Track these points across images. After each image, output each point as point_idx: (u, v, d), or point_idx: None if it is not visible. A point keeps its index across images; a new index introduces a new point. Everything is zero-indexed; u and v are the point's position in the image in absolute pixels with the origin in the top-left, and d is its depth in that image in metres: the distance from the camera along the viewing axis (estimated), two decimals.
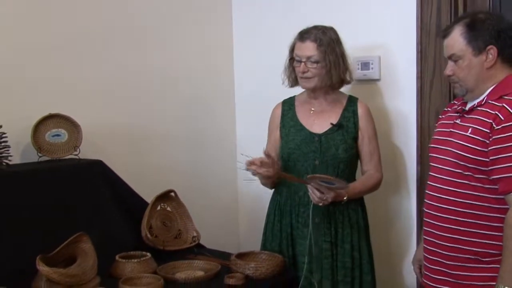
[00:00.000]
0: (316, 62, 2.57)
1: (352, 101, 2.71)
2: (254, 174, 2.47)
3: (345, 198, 2.51)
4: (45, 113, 2.61)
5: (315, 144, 2.62)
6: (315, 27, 2.61)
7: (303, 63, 2.58)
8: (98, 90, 2.91)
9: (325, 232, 2.58)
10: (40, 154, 2.59)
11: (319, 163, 2.60)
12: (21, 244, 2.32)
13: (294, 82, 2.71)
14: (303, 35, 2.60)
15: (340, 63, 2.60)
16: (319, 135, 2.63)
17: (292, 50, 2.66)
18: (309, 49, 2.58)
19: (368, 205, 2.76)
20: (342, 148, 2.61)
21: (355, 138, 2.66)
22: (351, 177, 2.68)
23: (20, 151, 2.63)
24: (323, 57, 2.57)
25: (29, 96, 2.65)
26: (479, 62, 2.13)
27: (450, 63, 2.20)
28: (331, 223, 2.60)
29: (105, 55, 2.94)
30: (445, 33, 2.22)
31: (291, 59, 2.66)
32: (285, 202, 2.68)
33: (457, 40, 2.14)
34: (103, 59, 2.93)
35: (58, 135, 2.66)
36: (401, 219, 3.02)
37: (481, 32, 2.11)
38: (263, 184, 2.73)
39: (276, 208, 2.73)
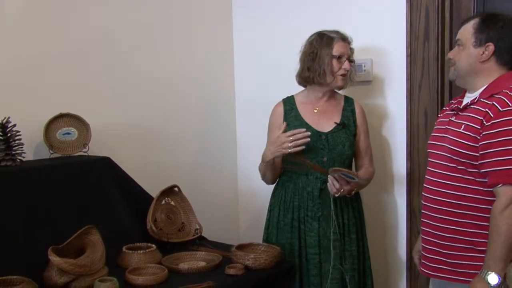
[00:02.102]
0: (353, 61, 2.69)
1: (349, 101, 2.77)
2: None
3: (352, 192, 2.56)
4: (56, 113, 2.62)
5: (323, 142, 2.64)
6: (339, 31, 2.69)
7: (347, 61, 2.64)
8: (106, 92, 2.92)
9: (334, 224, 2.60)
10: (51, 151, 2.61)
11: (327, 160, 2.63)
12: (34, 236, 2.33)
13: (321, 77, 2.63)
14: (343, 36, 2.66)
15: None
16: (326, 134, 2.65)
17: (327, 46, 2.63)
18: (348, 49, 2.67)
19: (362, 199, 2.80)
20: (348, 145, 2.66)
21: (355, 135, 2.71)
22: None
23: (33, 149, 2.64)
24: (352, 58, 2.70)
25: (41, 97, 2.67)
26: (476, 53, 2.16)
27: (455, 48, 2.25)
28: (338, 215, 2.63)
29: (112, 59, 2.95)
30: (463, 22, 2.28)
31: (329, 55, 2.62)
32: (292, 198, 2.68)
33: (468, 29, 2.20)
34: (110, 63, 2.94)
35: (68, 133, 2.67)
36: (391, 211, 3.03)
37: (488, 28, 2.15)
38: (264, 176, 2.74)
39: (280, 203, 2.73)
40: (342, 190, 2.49)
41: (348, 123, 2.70)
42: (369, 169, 2.75)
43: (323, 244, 2.61)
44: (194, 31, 3.36)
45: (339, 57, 2.63)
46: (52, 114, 2.61)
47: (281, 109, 2.77)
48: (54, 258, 2.11)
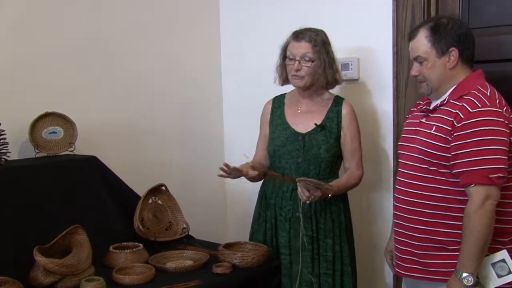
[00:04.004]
0: (311, 60, 2.57)
1: (337, 101, 2.69)
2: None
3: (329, 195, 2.50)
4: (42, 112, 2.60)
5: (299, 143, 2.62)
6: (309, 29, 2.60)
7: (297, 62, 2.58)
8: (92, 91, 2.91)
9: (305, 226, 2.58)
10: (37, 151, 2.59)
11: (301, 161, 2.61)
12: (19, 236, 2.32)
13: (285, 81, 2.69)
14: (298, 35, 2.60)
15: (332, 64, 2.62)
16: (303, 135, 2.63)
17: (285, 49, 2.64)
18: (304, 48, 2.57)
19: (349, 198, 2.78)
20: (324, 148, 2.61)
21: (338, 138, 2.65)
22: (333, 174, 2.68)
23: (18, 148, 2.62)
24: (318, 56, 2.57)
25: (27, 96, 2.64)
26: (442, 63, 2.17)
27: (416, 64, 2.24)
28: (312, 218, 2.61)
29: (99, 58, 2.93)
30: (411, 35, 2.26)
31: (284, 57, 2.64)
32: (270, 195, 2.69)
33: (422, 42, 2.19)
34: (97, 62, 2.93)
35: (54, 132, 2.65)
36: (379, 210, 3.04)
37: (443, 35, 2.15)
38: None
39: (262, 200, 2.74)
40: (312, 197, 2.44)
41: (330, 125, 2.64)
42: (355, 173, 2.67)
43: (293, 245, 2.59)
44: (181, 29, 3.35)
45: (290, 58, 2.60)
46: (38, 113, 2.59)
47: (269, 107, 2.77)
48: (39, 258, 2.09)
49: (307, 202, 2.46)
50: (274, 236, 2.67)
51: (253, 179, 2.64)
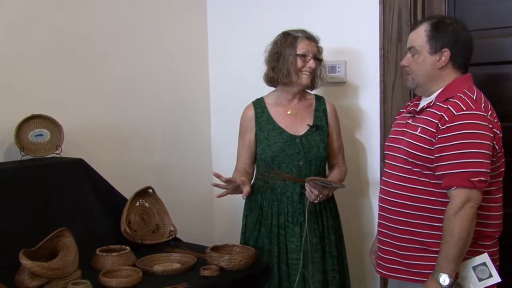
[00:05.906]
0: (320, 60, 2.65)
1: (320, 100, 2.75)
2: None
3: (330, 193, 2.58)
4: (28, 114, 2.59)
5: (298, 146, 2.62)
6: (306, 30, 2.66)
7: (312, 59, 2.61)
8: (78, 93, 2.90)
9: (314, 228, 2.61)
10: (23, 153, 2.57)
11: (303, 163, 2.61)
12: (5, 239, 2.30)
13: (285, 77, 2.60)
14: (308, 34, 2.63)
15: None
16: (300, 137, 2.64)
17: (290, 46, 2.60)
18: (314, 47, 2.63)
19: (336, 199, 2.80)
20: (323, 147, 2.65)
21: (328, 135, 2.70)
22: (325, 172, 2.74)
23: (4, 151, 2.61)
24: (320, 57, 2.67)
25: (13, 98, 2.63)
26: (433, 61, 2.19)
27: (408, 55, 2.27)
28: (318, 219, 2.63)
29: (85, 59, 2.93)
30: (413, 26, 2.29)
31: (279, 55, 2.61)
32: (270, 204, 2.65)
33: (420, 35, 2.21)
34: (83, 63, 2.92)
35: (40, 135, 2.64)
36: (365, 212, 3.06)
37: (442, 34, 2.17)
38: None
39: (257, 209, 2.69)
40: (321, 196, 2.49)
41: (321, 124, 2.68)
42: (342, 168, 2.76)
43: (305, 248, 2.59)
44: (168, 31, 3.36)
45: (303, 56, 2.60)
46: (24, 115, 2.58)
47: (251, 113, 2.73)
48: (25, 262, 2.08)
49: (316, 201, 2.50)
50: (275, 244, 2.64)
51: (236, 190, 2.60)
